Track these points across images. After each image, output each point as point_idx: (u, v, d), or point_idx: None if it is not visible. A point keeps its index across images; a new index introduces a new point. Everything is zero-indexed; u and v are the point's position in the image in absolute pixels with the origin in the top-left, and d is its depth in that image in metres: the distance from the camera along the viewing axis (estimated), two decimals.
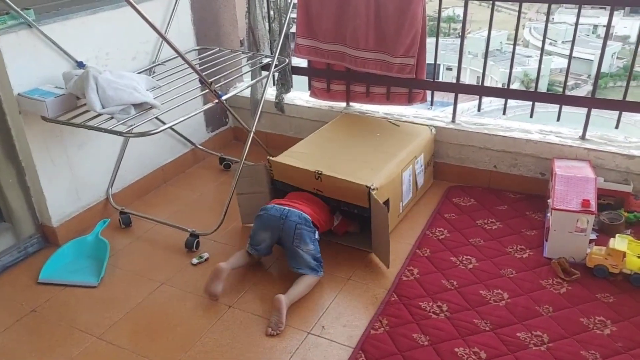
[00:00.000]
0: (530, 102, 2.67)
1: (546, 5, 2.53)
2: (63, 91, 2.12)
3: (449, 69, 14.50)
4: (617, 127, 2.58)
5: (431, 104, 2.92)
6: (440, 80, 5.16)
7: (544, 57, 2.77)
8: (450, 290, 2.07)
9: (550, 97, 2.75)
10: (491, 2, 2.57)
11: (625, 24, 16.79)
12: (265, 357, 1.83)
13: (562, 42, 16.49)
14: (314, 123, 2.99)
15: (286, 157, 2.40)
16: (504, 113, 2.81)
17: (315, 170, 2.26)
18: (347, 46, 2.79)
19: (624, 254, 2.05)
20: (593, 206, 2.11)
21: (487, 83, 2.57)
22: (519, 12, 2.63)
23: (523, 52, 16.37)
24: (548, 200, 2.38)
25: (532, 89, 2.69)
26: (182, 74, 2.45)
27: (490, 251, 2.28)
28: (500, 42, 16.04)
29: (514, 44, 2.71)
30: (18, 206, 2.31)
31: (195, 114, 2.51)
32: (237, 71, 2.69)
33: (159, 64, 2.67)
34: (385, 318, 1.95)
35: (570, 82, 15.12)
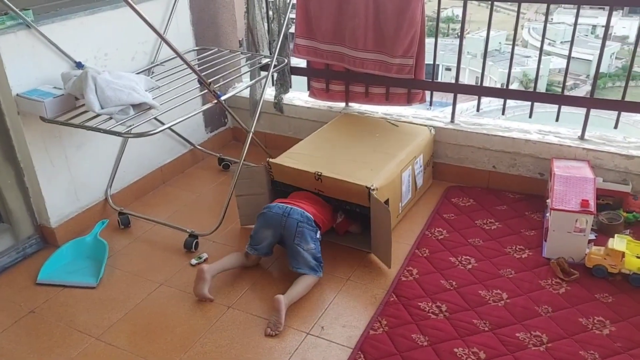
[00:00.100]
0: (529, 103, 2.67)
1: (545, 5, 2.53)
2: (62, 92, 2.11)
3: (448, 69, 14.49)
4: (616, 127, 2.58)
5: (430, 104, 2.92)
6: (439, 80, 5.15)
7: (542, 58, 2.77)
8: (449, 290, 2.07)
9: (549, 97, 2.75)
10: (490, 2, 2.57)
11: (624, 24, 16.81)
12: (265, 357, 1.83)
13: (561, 42, 16.50)
14: (313, 123, 2.99)
15: (285, 159, 2.40)
16: (503, 113, 2.81)
17: (315, 171, 2.26)
18: (346, 46, 2.79)
19: (622, 254, 2.05)
20: (592, 206, 2.12)
21: (486, 83, 2.57)
22: (518, 12, 2.63)
23: (522, 52, 16.37)
24: (547, 201, 2.38)
25: (531, 89, 2.70)
26: (181, 75, 2.44)
27: (490, 251, 2.28)
28: (499, 43, 16.04)
29: (513, 44, 2.70)
30: (17, 207, 2.31)
31: (194, 115, 2.51)
32: (236, 71, 2.69)
33: (157, 65, 2.66)
34: (385, 318, 1.94)
35: (569, 83, 15.13)
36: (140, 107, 2.11)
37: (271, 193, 2.43)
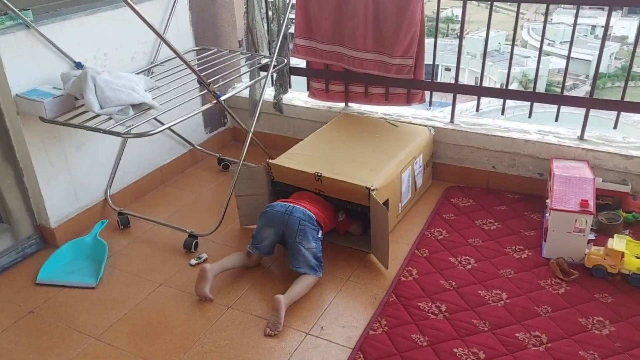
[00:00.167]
0: (529, 103, 2.67)
1: (544, 5, 2.54)
2: (61, 92, 2.11)
3: (448, 69, 14.50)
4: (615, 127, 2.58)
5: (430, 105, 2.92)
6: (438, 80, 5.16)
7: (542, 58, 2.77)
8: (449, 290, 2.07)
9: (548, 97, 2.75)
10: (489, 2, 2.57)
11: (624, 25, 16.81)
12: (264, 358, 1.83)
13: (561, 42, 16.50)
14: (312, 123, 2.99)
15: (285, 160, 2.40)
16: (502, 113, 2.81)
17: (315, 172, 2.26)
18: (345, 47, 2.79)
19: (622, 254, 2.05)
20: (591, 206, 2.12)
21: (485, 83, 2.57)
22: (517, 12, 2.64)
23: (521, 52, 16.37)
24: (546, 201, 2.38)
25: (531, 90, 2.70)
26: (181, 75, 2.44)
27: (489, 251, 2.28)
28: (499, 43, 16.04)
29: (512, 45, 2.71)
30: (16, 207, 2.31)
31: (194, 115, 2.51)
32: (235, 72, 2.69)
33: (157, 65, 2.66)
34: (384, 318, 1.94)
35: (569, 83, 15.13)
36: (140, 107, 2.11)
37: (271, 193, 2.43)
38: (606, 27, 2.48)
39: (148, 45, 2.67)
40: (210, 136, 3.23)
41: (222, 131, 3.32)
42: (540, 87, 12.76)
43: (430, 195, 2.72)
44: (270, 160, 2.38)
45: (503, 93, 2.75)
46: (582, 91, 15.48)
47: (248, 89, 3.06)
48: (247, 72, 2.97)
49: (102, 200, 2.59)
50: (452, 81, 2.80)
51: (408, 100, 2.85)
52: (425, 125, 2.75)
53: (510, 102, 2.79)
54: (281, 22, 2.84)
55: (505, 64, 2.73)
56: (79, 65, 2.28)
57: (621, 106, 2.48)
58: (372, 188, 2.13)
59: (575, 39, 2.61)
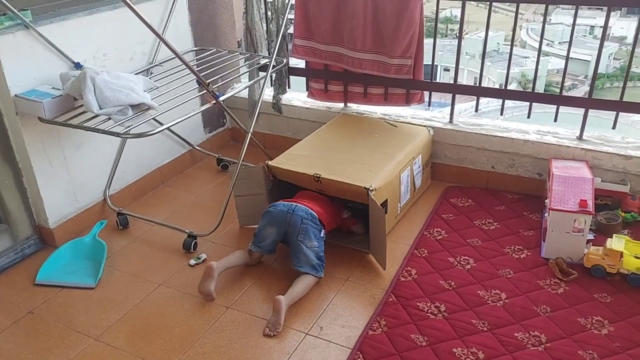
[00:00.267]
0: (528, 103, 2.67)
1: (543, 6, 2.54)
2: (60, 92, 2.11)
3: (447, 69, 14.51)
4: (614, 127, 2.58)
5: (429, 105, 2.92)
6: (437, 81, 5.14)
7: (541, 58, 2.77)
8: (448, 290, 2.07)
9: (547, 97, 2.75)
10: (488, 3, 2.58)
11: (622, 25, 16.83)
12: (264, 358, 1.83)
13: (559, 42, 16.53)
14: (311, 124, 2.99)
15: (284, 161, 2.40)
16: (501, 114, 2.81)
17: (314, 173, 2.26)
18: (344, 47, 2.79)
19: (621, 254, 2.05)
20: (590, 206, 2.12)
21: (484, 84, 2.58)
22: (516, 13, 2.64)
23: (520, 52, 16.39)
24: (545, 201, 2.38)
25: (530, 90, 2.70)
26: (180, 75, 2.44)
27: (488, 251, 2.28)
28: (498, 43, 16.06)
29: (512, 45, 2.71)
30: (15, 207, 2.30)
31: (193, 115, 2.50)
32: (234, 72, 2.69)
33: (156, 65, 2.66)
34: (384, 319, 1.94)
35: (568, 83, 15.15)
36: (139, 108, 2.11)
37: (270, 193, 2.43)
38: (605, 27, 2.49)
39: (147, 45, 2.66)
40: (210, 136, 3.23)
41: (221, 131, 3.32)
42: (539, 88, 12.75)
43: (430, 196, 2.72)
44: (269, 162, 2.38)
45: (502, 93, 2.75)
46: (581, 91, 15.50)
47: (247, 89, 3.06)
48: (246, 72, 2.97)
49: (101, 200, 2.59)
50: (451, 81, 2.80)
51: (407, 101, 2.85)
52: (424, 126, 2.75)
53: (509, 103, 2.79)
54: (280, 22, 2.84)
55: (504, 64, 2.73)
56: (78, 66, 2.28)
57: (620, 106, 2.48)
58: (371, 188, 2.13)
59: (574, 39, 2.61)
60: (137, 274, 2.25)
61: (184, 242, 2.36)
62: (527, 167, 2.67)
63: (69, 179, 2.41)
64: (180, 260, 2.31)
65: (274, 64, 2.74)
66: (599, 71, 2.58)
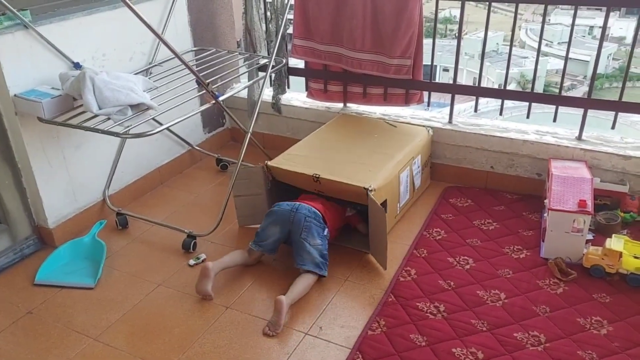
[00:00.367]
0: (527, 103, 2.68)
1: (542, 6, 2.54)
2: (60, 92, 2.11)
3: (446, 70, 14.52)
4: (613, 127, 2.58)
5: (428, 105, 2.92)
6: (437, 81, 5.15)
7: (540, 58, 2.77)
8: (447, 290, 2.07)
9: (546, 97, 2.76)
10: (488, 3, 2.58)
11: (621, 25, 16.86)
12: (263, 358, 1.83)
13: (558, 43, 16.55)
14: (311, 124, 2.99)
15: (283, 161, 2.40)
16: (500, 114, 2.82)
17: (313, 173, 2.26)
18: (343, 47, 2.79)
19: (620, 254, 2.05)
20: (589, 206, 2.12)
21: (483, 84, 2.57)
22: (515, 13, 2.64)
23: (519, 53, 16.41)
24: (545, 201, 2.38)
25: (529, 90, 2.70)
26: (179, 75, 2.44)
27: (487, 252, 2.28)
28: (497, 43, 16.08)
29: (511, 45, 2.71)
30: (14, 207, 2.30)
31: (192, 115, 2.50)
32: (234, 72, 2.69)
33: (155, 65, 2.66)
34: (383, 319, 1.95)
35: (567, 83, 15.16)
36: (138, 108, 2.11)
37: (269, 193, 2.43)
38: (604, 27, 2.49)
39: (146, 45, 2.66)
40: (209, 136, 3.23)
41: (221, 131, 3.32)
42: (538, 88, 12.76)
43: (429, 196, 2.72)
44: (269, 162, 2.38)
45: (501, 93, 2.75)
46: (580, 92, 15.52)
47: (246, 89, 3.06)
48: (246, 72, 2.97)
49: (100, 200, 2.59)
50: (451, 81, 2.80)
51: (406, 101, 2.85)
52: (423, 126, 2.75)
53: (508, 103, 2.80)
54: (279, 22, 2.84)
55: (503, 65, 2.73)
56: (77, 66, 2.28)
57: (619, 106, 2.48)
58: (370, 189, 2.13)
59: (573, 40, 2.62)
60: (137, 274, 2.25)
61: (183, 242, 2.36)
62: (526, 167, 2.67)
63: (68, 179, 2.41)
64: (180, 261, 2.31)
65: (274, 64, 2.74)
66: (598, 71, 2.59)
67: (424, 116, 2.92)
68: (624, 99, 2.46)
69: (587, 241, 2.21)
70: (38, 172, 2.27)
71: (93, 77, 2.04)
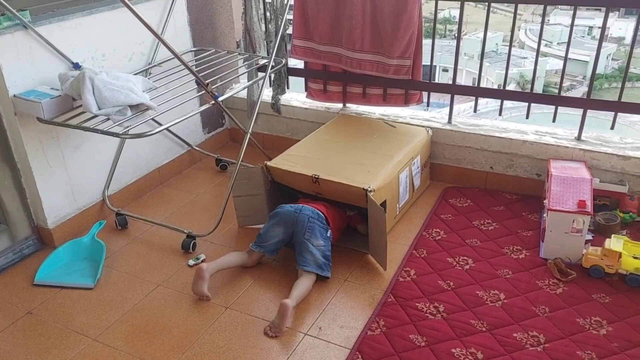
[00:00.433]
0: (526, 103, 2.68)
1: (542, 6, 2.54)
2: (59, 92, 2.11)
3: (445, 70, 14.54)
4: (612, 128, 2.59)
5: (427, 105, 2.92)
6: (436, 81, 5.15)
7: (539, 59, 2.77)
8: (446, 291, 2.07)
9: (546, 98, 2.76)
10: (487, 3, 2.58)
11: (621, 26, 16.88)
12: (263, 358, 1.83)
13: (558, 43, 16.56)
14: (310, 124, 2.99)
15: (283, 161, 2.40)
16: (500, 114, 2.82)
17: (312, 174, 2.26)
18: (343, 47, 2.79)
19: (619, 255, 2.05)
20: (589, 207, 2.12)
21: (483, 84, 2.57)
22: (515, 13, 2.64)
23: (519, 53, 16.43)
24: (544, 201, 2.39)
25: (528, 90, 2.70)
26: (179, 75, 2.45)
27: (487, 252, 2.28)
28: (496, 44, 16.10)
29: (510, 46, 2.71)
30: (13, 208, 2.30)
31: (192, 115, 2.50)
32: (233, 72, 2.69)
33: (155, 65, 2.66)
34: (382, 319, 1.95)
35: (566, 84, 15.16)
36: (138, 108, 2.11)
37: (269, 194, 2.43)
38: (603, 28, 2.49)
39: (146, 46, 2.66)
40: (208, 137, 3.23)
41: (220, 132, 3.32)
42: (538, 88, 12.78)
43: (428, 196, 2.72)
44: (268, 163, 2.38)
45: (500, 94, 2.75)
46: (580, 92, 15.53)
47: (246, 89, 3.06)
48: (245, 72, 2.97)
49: (99, 200, 2.59)
50: (450, 82, 2.80)
51: (406, 101, 2.85)
52: (423, 126, 2.75)
53: (507, 103, 2.80)
54: (279, 23, 2.84)
55: (503, 65, 2.73)
56: (76, 66, 2.28)
57: (618, 107, 2.48)
58: (369, 189, 2.13)
59: (573, 40, 2.62)
60: (136, 274, 2.25)
61: (182, 242, 2.36)
62: (525, 168, 2.67)
63: (67, 179, 2.41)
64: (179, 261, 2.31)
65: (273, 64, 2.74)
66: (597, 72, 2.58)
67: (423, 116, 2.92)
68: (623, 99, 2.46)
69: (587, 241, 2.21)
70: (37, 173, 2.27)
71: (92, 78, 2.04)
